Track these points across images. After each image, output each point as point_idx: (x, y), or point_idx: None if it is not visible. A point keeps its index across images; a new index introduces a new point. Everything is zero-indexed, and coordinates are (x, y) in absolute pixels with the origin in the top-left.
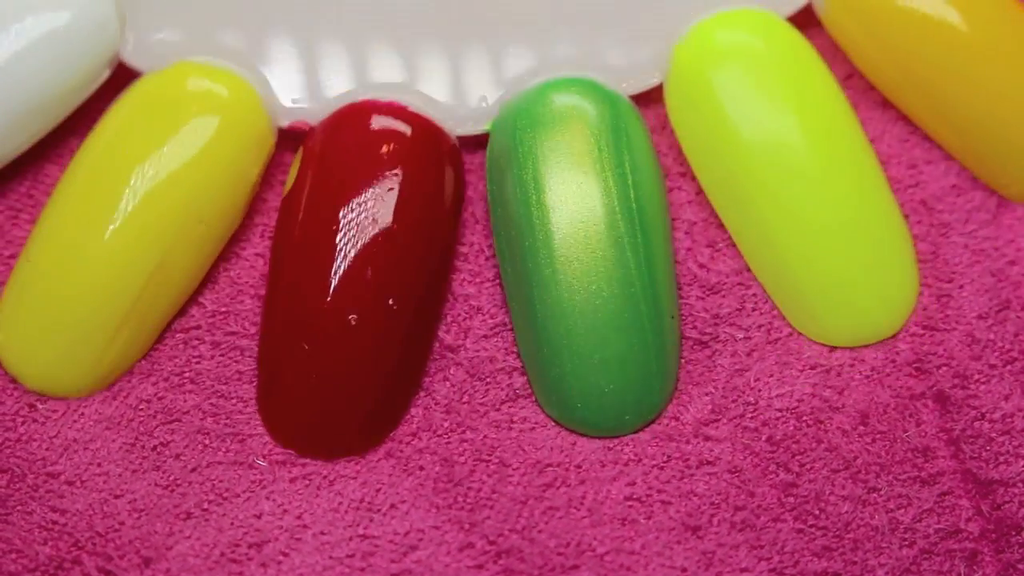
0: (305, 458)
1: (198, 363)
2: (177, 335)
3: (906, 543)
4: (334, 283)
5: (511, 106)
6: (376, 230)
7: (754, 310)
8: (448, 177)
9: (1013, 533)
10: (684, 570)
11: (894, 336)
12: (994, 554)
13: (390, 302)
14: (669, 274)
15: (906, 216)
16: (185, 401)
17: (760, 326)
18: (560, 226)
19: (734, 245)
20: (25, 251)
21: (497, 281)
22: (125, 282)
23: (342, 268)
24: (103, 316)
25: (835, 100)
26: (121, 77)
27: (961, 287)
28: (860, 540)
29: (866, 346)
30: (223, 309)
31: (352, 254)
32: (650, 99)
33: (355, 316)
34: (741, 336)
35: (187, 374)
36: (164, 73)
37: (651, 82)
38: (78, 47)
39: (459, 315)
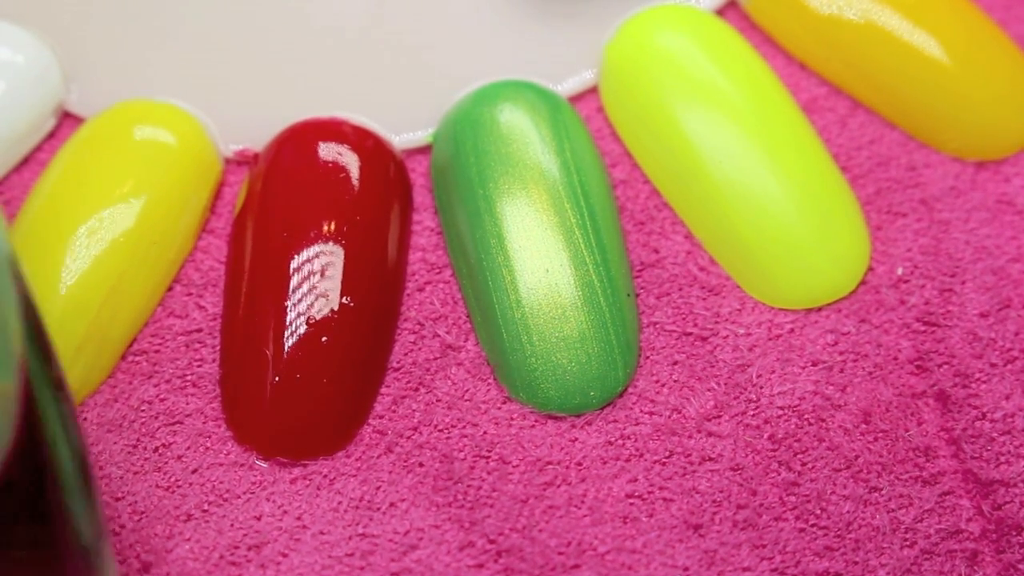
0: (275, 461)
1: (200, 366)
2: (179, 338)
3: (907, 543)
4: (291, 290)
5: (450, 114)
6: (328, 240)
7: (754, 309)
8: (394, 184)
9: (1014, 533)
10: (686, 569)
11: (849, 296)
12: (995, 554)
13: (346, 300)
14: (621, 255)
15: (906, 214)
16: (187, 403)
17: (761, 323)
18: (508, 214)
19: None
20: None
21: None
22: (81, 303)
23: (297, 279)
24: (61, 338)
25: (764, 78)
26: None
27: (964, 282)
28: (861, 540)
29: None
30: None
31: (306, 266)
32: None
33: (313, 317)
34: (742, 332)
35: (189, 377)
36: (111, 112)
37: (586, 82)
38: (22, 97)
39: (459, 317)
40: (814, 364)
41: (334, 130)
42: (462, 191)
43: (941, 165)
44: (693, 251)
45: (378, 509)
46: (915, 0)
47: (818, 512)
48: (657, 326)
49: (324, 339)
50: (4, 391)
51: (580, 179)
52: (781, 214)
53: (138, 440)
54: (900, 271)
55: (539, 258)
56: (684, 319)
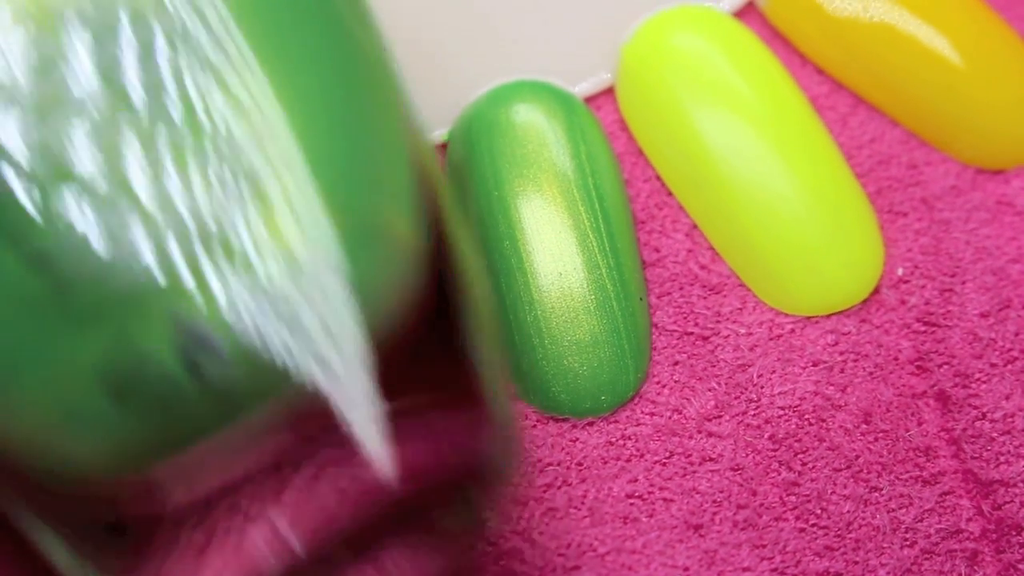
0: None
1: None
2: None
3: (907, 543)
4: None
5: (466, 113)
6: None
7: (755, 308)
8: None
9: (1014, 533)
10: (686, 569)
11: (865, 302)
12: (995, 554)
13: None
14: (634, 259)
15: (907, 213)
16: None
17: (762, 323)
18: (522, 216)
19: None
20: None
21: None
22: None
23: None
24: None
25: (782, 82)
26: None
27: (964, 283)
28: (862, 540)
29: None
30: None
31: None
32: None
33: None
34: (743, 332)
35: None
36: None
37: (602, 84)
38: None
39: None
40: (815, 364)
41: None
42: (476, 191)
43: (942, 164)
44: (694, 249)
45: None
46: (937, 6)
47: (818, 512)
48: (658, 326)
49: None
50: (404, 238)
51: (595, 181)
52: (795, 219)
53: None
54: (900, 272)
55: (553, 261)
56: (685, 319)
